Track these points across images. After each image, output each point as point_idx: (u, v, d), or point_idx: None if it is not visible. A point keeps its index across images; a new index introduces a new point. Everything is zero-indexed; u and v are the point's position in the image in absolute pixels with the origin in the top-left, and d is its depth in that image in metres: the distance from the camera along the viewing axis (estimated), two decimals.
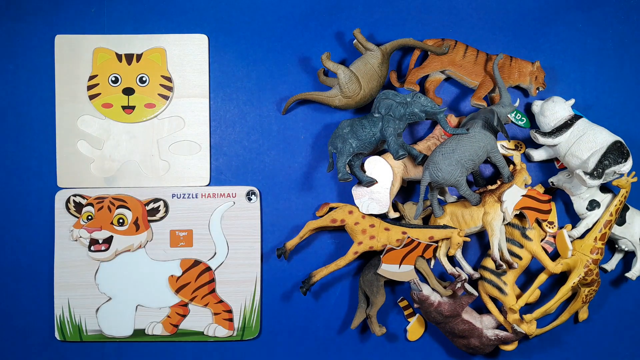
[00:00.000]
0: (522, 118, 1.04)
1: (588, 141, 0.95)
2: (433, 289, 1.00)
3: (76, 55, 1.02)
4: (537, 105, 1.00)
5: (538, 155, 1.02)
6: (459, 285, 0.98)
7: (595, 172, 0.93)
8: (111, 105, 1.02)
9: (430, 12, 1.05)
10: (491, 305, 1.01)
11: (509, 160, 1.02)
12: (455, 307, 0.98)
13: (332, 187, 1.04)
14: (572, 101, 0.98)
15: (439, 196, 1.01)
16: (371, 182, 0.97)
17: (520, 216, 1.00)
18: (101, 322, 1.02)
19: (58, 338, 1.02)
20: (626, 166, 0.95)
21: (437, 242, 0.99)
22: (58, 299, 1.02)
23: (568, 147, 0.96)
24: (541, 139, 0.98)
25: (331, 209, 1.01)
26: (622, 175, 0.97)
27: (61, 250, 1.02)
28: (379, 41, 1.03)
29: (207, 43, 1.04)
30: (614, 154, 0.94)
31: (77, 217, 1.02)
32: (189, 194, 1.03)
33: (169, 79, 1.03)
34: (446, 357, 1.06)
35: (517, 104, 1.03)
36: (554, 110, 0.98)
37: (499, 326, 1.02)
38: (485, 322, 1.01)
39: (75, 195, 1.02)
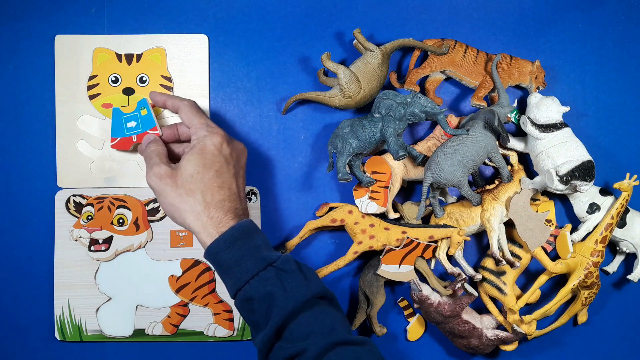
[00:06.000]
0: None
1: (569, 149, 0.95)
2: (433, 289, 1.00)
3: (76, 55, 1.02)
4: (535, 97, 0.99)
5: (511, 144, 1.01)
6: (459, 285, 0.98)
7: (564, 178, 0.93)
8: (111, 105, 1.02)
9: (430, 12, 1.04)
10: (491, 306, 1.01)
11: (507, 161, 1.02)
12: (455, 307, 0.98)
13: (332, 187, 1.04)
14: (567, 109, 0.98)
15: (439, 197, 1.01)
16: (371, 183, 0.97)
17: None
18: (101, 322, 1.02)
19: (58, 338, 1.02)
20: (587, 186, 0.95)
21: (436, 241, 0.99)
22: (58, 299, 1.02)
23: (547, 146, 0.96)
24: (529, 127, 0.97)
25: (331, 208, 1.01)
26: (582, 192, 0.96)
27: (61, 250, 1.02)
28: (379, 41, 1.03)
29: (207, 43, 1.03)
30: (584, 170, 0.94)
31: (77, 217, 1.02)
32: None
33: (169, 79, 1.03)
34: (446, 357, 1.06)
35: (515, 104, 1.03)
36: (550, 108, 0.97)
37: (499, 326, 1.02)
38: (485, 322, 1.01)
39: (75, 195, 1.02)
